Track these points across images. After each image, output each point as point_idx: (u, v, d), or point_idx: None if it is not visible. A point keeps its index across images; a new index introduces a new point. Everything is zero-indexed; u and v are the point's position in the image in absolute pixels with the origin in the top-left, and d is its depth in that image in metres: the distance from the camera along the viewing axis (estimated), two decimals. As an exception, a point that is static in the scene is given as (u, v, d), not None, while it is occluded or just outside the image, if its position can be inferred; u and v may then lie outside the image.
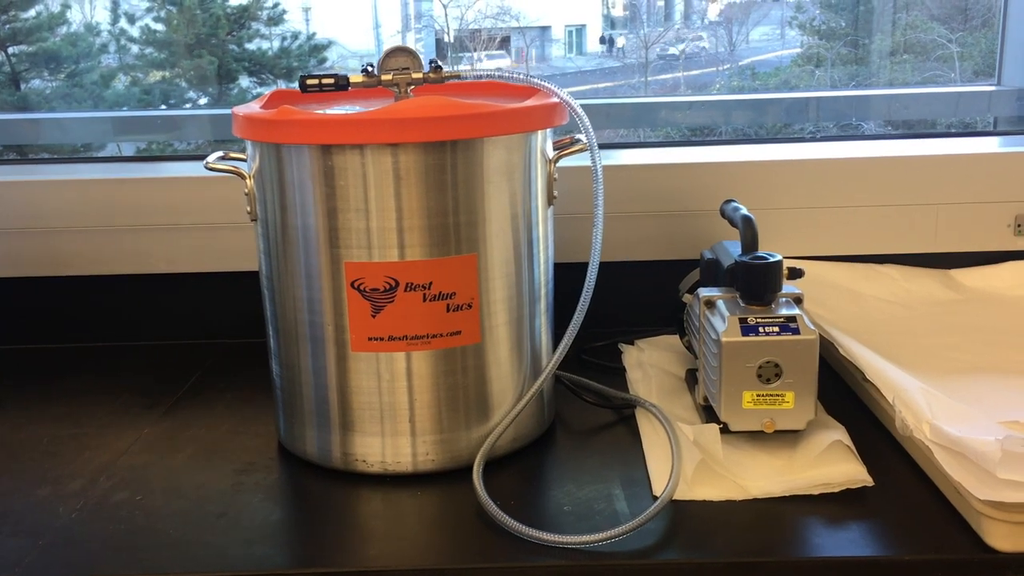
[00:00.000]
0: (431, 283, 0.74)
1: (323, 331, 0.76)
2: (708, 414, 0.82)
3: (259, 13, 3.67)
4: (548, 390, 0.85)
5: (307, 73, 0.78)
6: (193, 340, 1.09)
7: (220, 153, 0.82)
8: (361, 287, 0.74)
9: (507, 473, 0.78)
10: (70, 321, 1.11)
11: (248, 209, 0.79)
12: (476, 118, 0.73)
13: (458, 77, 0.79)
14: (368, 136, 0.72)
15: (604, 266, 0.78)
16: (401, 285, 0.74)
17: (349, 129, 0.72)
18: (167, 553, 0.68)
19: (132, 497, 0.75)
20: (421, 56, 0.80)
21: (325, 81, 0.77)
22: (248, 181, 0.78)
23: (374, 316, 0.74)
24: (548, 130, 0.79)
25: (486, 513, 0.70)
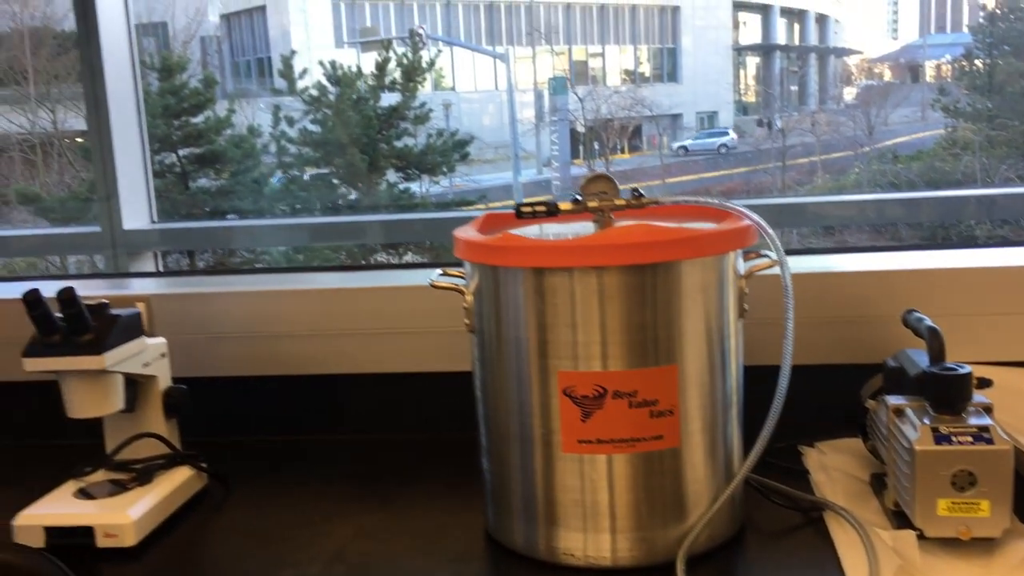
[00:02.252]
0: (636, 391, 0.81)
1: (532, 432, 0.84)
2: (899, 519, 0.84)
3: (407, 113, 3.94)
4: (738, 491, 0.90)
5: (521, 201, 0.88)
6: (400, 434, 1.18)
7: (440, 271, 0.93)
8: (572, 394, 0.82)
9: (703, 572, 0.82)
10: (290, 416, 1.22)
11: (467, 322, 0.88)
12: (675, 244, 0.81)
13: (656, 203, 0.88)
14: (577, 260, 0.80)
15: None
16: (609, 392, 0.81)
17: (561, 254, 0.81)
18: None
19: (365, 582, 0.84)
20: (616, 182, 0.89)
21: (538, 208, 0.87)
22: (467, 297, 0.88)
23: (584, 420, 0.82)
24: (740, 249, 0.86)
25: (693, 610, 0.74)
